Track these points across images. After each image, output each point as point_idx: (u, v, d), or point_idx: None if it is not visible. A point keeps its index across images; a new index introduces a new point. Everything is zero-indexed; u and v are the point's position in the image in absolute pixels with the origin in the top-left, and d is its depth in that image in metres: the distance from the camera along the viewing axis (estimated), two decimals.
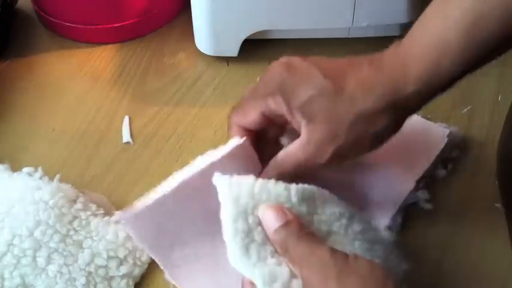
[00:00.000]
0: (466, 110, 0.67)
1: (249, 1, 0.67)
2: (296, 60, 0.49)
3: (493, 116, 0.66)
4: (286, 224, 0.43)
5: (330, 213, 0.46)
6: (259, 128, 0.51)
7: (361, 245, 0.46)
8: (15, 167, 0.59)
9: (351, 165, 0.54)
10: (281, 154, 0.50)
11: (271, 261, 0.42)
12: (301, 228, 0.43)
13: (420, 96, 0.47)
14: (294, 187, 0.46)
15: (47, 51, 0.76)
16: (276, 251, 0.43)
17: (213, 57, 0.73)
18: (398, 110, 0.47)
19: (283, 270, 0.42)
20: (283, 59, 0.50)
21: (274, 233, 0.43)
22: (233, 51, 0.71)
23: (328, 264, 0.41)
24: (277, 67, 0.50)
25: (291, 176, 0.48)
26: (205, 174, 0.48)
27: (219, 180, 0.45)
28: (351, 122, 0.47)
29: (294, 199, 0.45)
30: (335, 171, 0.54)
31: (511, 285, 0.54)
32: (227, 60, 0.73)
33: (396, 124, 0.49)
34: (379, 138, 0.49)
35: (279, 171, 0.49)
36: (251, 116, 0.50)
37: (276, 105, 0.49)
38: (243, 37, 0.70)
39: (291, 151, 0.49)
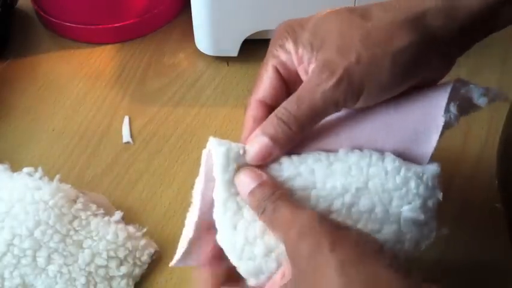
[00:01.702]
0: None
1: (249, 1, 0.67)
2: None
3: (493, 116, 0.66)
4: (261, 184, 0.40)
5: (331, 187, 0.41)
6: (275, 98, 0.45)
7: (366, 226, 0.41)
8: (15, 167, 0.59)
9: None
10: (291, 101, 0.42)
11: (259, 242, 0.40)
12: (278, 188, 0.40)
13: (444, 15, 0.41)
14: (285, 159, 0.42)
15: (47, 51, 0.76)
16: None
17: (213, 57, 0.73)
18: (419, 28, 0.40)
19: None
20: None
21: (249, 195, 0.40)
22: (233, 51, 0.71)
23: (317, 229, 0.37)
24: (277, 28, 0.45)
25: (309, 121, 0.42)
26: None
27: (213, 147, 0.42)
28: (363, 36, 0.40)
29: (286, 173, 0.42)
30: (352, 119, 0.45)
31: (511, 285, 0.54)
32: (227, 60, 0.73)
33: (421, 51, 0.41)
34: (400, 64, 0.41)
35: (297, 121, 0.41)
36: (265, 80, 0.45)
37: (285, 53, 0.44)
38: (243, 37, 0.70)
39: (300, 92, 0.42)
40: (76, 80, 0.72)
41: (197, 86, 0.71)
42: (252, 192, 0.40)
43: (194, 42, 0.73)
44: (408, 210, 0.42)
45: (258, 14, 0.68)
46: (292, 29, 0.43)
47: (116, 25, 0.75)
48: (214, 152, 0.42)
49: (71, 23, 0.76)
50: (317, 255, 0.36)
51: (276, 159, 0.42)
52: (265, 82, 0.45)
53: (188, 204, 0.60)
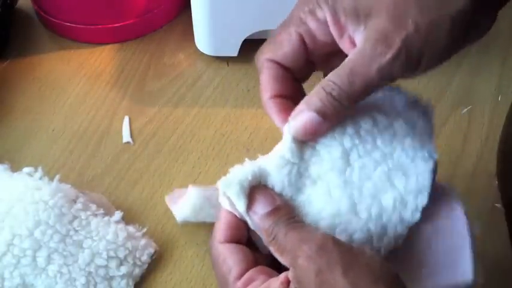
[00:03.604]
0: (466, 110, 0.67)
1: (249, 1, 0.67)
2: None
3: (493, 116, 0.66)
4: (275, 210, 0.39)
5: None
6: (295, 64, 0.42)
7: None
8: (15, 167, 0.59)
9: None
10: (341, 75, 0.38)
11: None
12: (291, 215, 0.39)
13: None
14: (287, 150, 0.40)
15: (47, 51, 0.76)
16: None
17: (213, 57, 0.73)
18: None
19: None
20: None
21: (262, 218, 0.39)
22: (233, 51, 0.71)
23: (331, 250, 0.35)
24: None
25: (362, 96, 0.39)
26: None
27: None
28: (418, 0, 0.37)
29: (295, 159, 0.40)
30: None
31: (511, 285, 0.54)
32: (227, 60, 0.73)
33: (474, 12, 0.38)
34: (459, 28, 0.38)
35: (349, 96, 0.38)
36: (286, 46, 0.41)
37: (316, 21, 0.40)
38: (243, 37, 0.70)
39: (342, 65, 0.38)
40: (76, 80, 0.72)
41: (197, 86, 0.71)
42: (264, 216, 0.39)
43: (194, 42, 0.73)
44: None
45: (258, 14, 0.68)
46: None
47: (116, 25, 0.75)
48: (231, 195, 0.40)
49: (71, 23, 0.76)
50: (327, 275, 0.35)
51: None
52: (286, 47, 0.41)
53: None
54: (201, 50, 0.73)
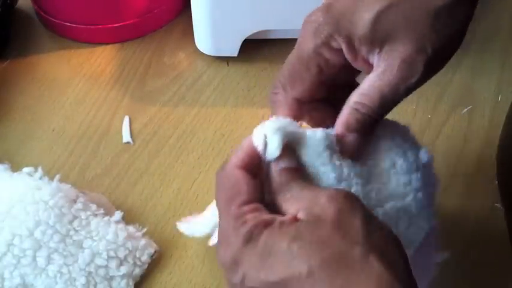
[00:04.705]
0: (466, 110, 0.67)
1: (249, 1, 0.67)
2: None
3: (493, 116, 0.66)
4: (295, 170, 0.40)
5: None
6: (311, 97, 0.45)
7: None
8: (15, 167, 0.59)
9: None
10: (372, 98, 0.42)
11: None
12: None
13: None
14: (332, 136, 0.42)
15: (47, 51, 0.76)
16: None
17: (213, 57, 0.73)
18: None
19: None
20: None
21: (280, 172, 0.39)
22: (233, 51, 0.71)
23: (355, 199, 0.37)
24: (310, 20, 0.43)
25: (389, 110, 0.43)
26: None
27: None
28: (431, 22, 0.40)
29: (331, 151, 0.42)
30: None
31: (511, 285, 0.54)
32: (227, 60, 0.73)
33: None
34: (464, 33, 0.42)
35: (379, 114, 0.42)
36: (306, 80, 0.44)
37: (330, 50, 0.42)
38: (243, 37, 0.70)
39: (370, 87, 0.42)
40: (76, 80, 0.72)
41: (197, 86, 0.71)
42: (283, 171, 0.39)
43: (194, 42, 0.73)
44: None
45: (258, 14, 0.68)
46: (338, 25, 0.41)
47: (116, 25, 0.75)
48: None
49: (71, 23, 0.76)
50: (348, 216, 0.35)
51: None
52: (307, 81, 0.44)
53: (188, 204, 0.60)
54: (201, 50, 0.73)
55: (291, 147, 0.41)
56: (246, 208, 0.37)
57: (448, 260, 0.54)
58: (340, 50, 0.42)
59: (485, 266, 0.54)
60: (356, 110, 0.42)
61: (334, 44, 0.42)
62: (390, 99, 0.42)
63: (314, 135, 0.42)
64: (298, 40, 0.44)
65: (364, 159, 0.43)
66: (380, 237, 0.35)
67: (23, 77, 0.72)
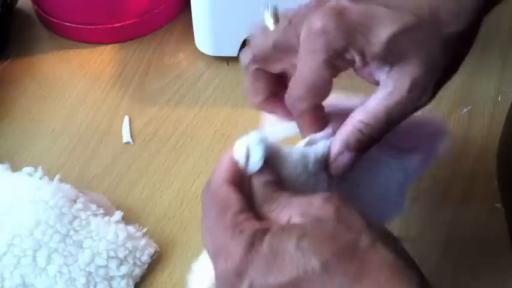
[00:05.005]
0: (466, 110, 0.67)
1: (249, 1, 0.67)
2: (345, 4, 0.40)
3: (493, 116, 0.66)
4: (277, 183, 0.39)
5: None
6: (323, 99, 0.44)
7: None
8: (15, 167, 0.59)
9: None
10: (375, 118, 0.41)
11: None
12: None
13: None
14: (312, 154, 0.42)
15: (47, 51, 0.76)
16: None
17: (213, 57, 0.73)
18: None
19: None
20: (326, 9, 0.40)
21: (264, 184, 0.39)
22: (233, 51, 0.71)
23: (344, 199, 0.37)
24: (321, 20, 0.40)
25: (379, 138, 0.42)
26: None
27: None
28: (444, 46, 0.40)
29: (313, 168, 0.42)
30: None
31: (511, 285, 0.54)
32: (227, 60, 0.73)
33: None
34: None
35: (382, 133, 0.42)
36: (322, 89, 0.42)
37: (343, 61, 0.41)
38: (243, 37, 0.70)
39: (377, 105, 0.41)
40: (76, 80, 0.72)
41: (197, 86, 0.71)
42: (267, 183, 0.39)
43: (194, 42, 0.73)
44: None
45: (258, 14, 0.68)
46: (353, 38, 0.40)
47: (115, 25, 0.75)
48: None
49: (71, 23, 0.76)
50: (346, 212, 0.36)
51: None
52: (323, 90, 0.42)
53: (188, 204, 0.60)
54: (201, 50, 0.73)
55: (271, 161, 0.40)
56: (240, 217, 0.37)
57: (448, 260, 0.55)
58: (352, 61, 0.41)
59: (485, 265, 0.54)
60: (359, 130, 0.41)
61: (347, 56, 0.41)
62: (396, 120, 0.41)
63: (292, 153, 0.41)
64: (305, 47, 0.41)
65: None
66: (381, 228, 0.36)
67: (23, 77, 0.72)
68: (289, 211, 0.37)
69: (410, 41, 0.39)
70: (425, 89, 0.40)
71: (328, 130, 0.43)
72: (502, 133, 0.61)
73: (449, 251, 0.55)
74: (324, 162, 0.42)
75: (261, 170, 0.39)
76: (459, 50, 0.41)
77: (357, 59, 0.40)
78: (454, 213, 0.58)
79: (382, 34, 0.39)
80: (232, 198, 0.38)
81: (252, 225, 0.36)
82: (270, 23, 0.45)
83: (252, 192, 0.39)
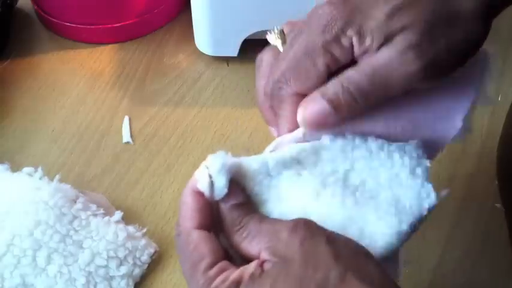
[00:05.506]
0: None
1: (249, 1, 0.67)
2: None
3: (493, 116, 0.66)
4: (245, 204, 0.39)
5: (320, 172, 0.41)
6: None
7: (358, 201, 0.40)
8: (15, 167, 0.59)
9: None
10: (362, 75, 0.39)
11: None
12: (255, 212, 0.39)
13: None
14: (271, 159, 0.41)
15: (47, 51, 0.76)
16: None
17: (213, 57, 0.73)
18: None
19: None
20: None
21: (231, 208, 0.38)
22: (233, 51, 0.71)
23: (313, 225, 0.36)
24: (320, 12, 0.40)
25: (378, 100, 0.39)
26: None
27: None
28: (450, 22, 0.39)
29: (274, 172, 0.41)
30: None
31: (511, 285, 0.54)
32: (227, 60, 0.73)
33: None
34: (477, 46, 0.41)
35: (365, 97, 0.39)
36: (313, 78, 0.40)
37: (340, 48, 0.39)
38: (243, 37, 0.70)
39: (376, 68, 0.39)
40: (76, 80, 0.72)
41: (197, 86, 0.71)
42: (234, 207, 0.39)
43: (194, 42, 0.73)
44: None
45: (258, 14, 0.68)
46: (352, 18, 0.39)
47: (115, 25, 0.75)
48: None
49: (71, 23, 0.76)
50: (312, 243, 0.35)
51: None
52: (312, 77, 0.40)
53: None
54: (201, 50, 0.73)
55: (235, 179, 0.39)
56: (211, 273, 0.37)
57: (449, 260, 0.55)
58: (349, 48, 0.40)
59: (485, 266, 0.54)
60: (339, 81, 0.39)
61: (344, 41, 0.39)
62: (381, 81, 0.38)
63: (251, 165, 0.40)
64: (303, 31, 0.41)
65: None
66: (349, 255, 0.36)
67: (23, 77, 0.72)
68: (258, 243, 0.37)
69: (409, 14, 0.38)
70: (422, 53, 0.38)
71: (297, 135, 0.42)
72: (502, 133, 0.61)
73: (449, 251, 0.55)
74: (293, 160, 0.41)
75: (227, 194, 0.38)
76: (469, 27, 0.39)
77: (355, 40, 0.39)
78: (454, 213, 0.58)
79: (382, 8, 0.38)
80: (202, 248, 0.38)
81: (223, 280, 0.36)
82: (278, 44, 0.44)
83: (222, 219, 0.39)
